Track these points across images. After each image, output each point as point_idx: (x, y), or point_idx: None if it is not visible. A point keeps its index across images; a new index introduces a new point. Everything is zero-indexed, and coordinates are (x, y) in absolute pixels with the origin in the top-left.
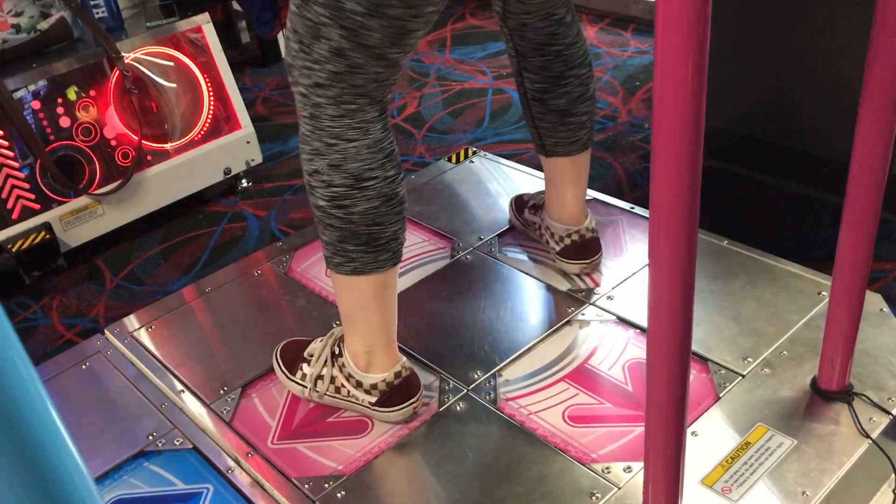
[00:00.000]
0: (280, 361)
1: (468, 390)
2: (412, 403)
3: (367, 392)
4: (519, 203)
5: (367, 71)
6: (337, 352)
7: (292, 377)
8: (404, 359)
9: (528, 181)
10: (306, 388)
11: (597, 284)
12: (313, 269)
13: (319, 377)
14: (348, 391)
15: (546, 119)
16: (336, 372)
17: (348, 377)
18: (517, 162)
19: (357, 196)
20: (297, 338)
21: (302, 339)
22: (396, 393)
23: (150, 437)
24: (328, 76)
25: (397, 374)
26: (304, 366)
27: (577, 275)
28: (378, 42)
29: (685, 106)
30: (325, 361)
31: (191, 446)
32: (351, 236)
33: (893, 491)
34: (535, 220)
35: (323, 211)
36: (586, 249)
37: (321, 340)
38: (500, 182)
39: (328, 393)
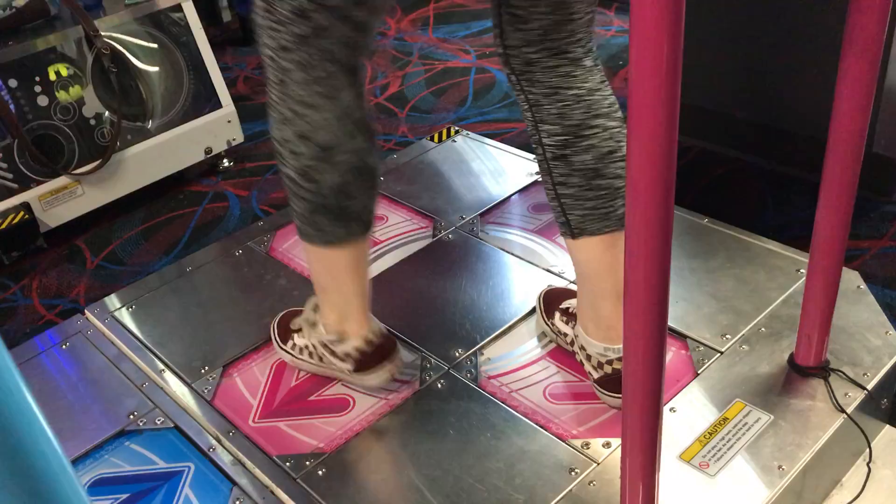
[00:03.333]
0: (275, 331)
1: (449, 368)
2: (386, 367)
3: (342, 360)
4: (549, 301)
5: (332, 34)
6: (314, 321)
7: (283, 346)
8: (380, 326)
9: (512, 161)
10: (294, 357)
11: None
12: (295, 248)
13: (304, 347)
14: (328, 360)
15: (570, 183)
16: (315, 341)
17: (325, 346)
18: (500, 141)
19: (326, 169)
20: (296, 308)
21: (299, 310)
22: (372, 358)
23: (131, 417)
24: (294, 39)
25: (368, 342)
26: (295, 336)
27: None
28: (340, 2)
29: (660, 85)
30: (307, 331)
31: (172, 425)
32: (321, 208)
33: (868, 465)
34: (568, 332)
35: (293, 181)
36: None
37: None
38: (484, 161)
39: (312, 361)
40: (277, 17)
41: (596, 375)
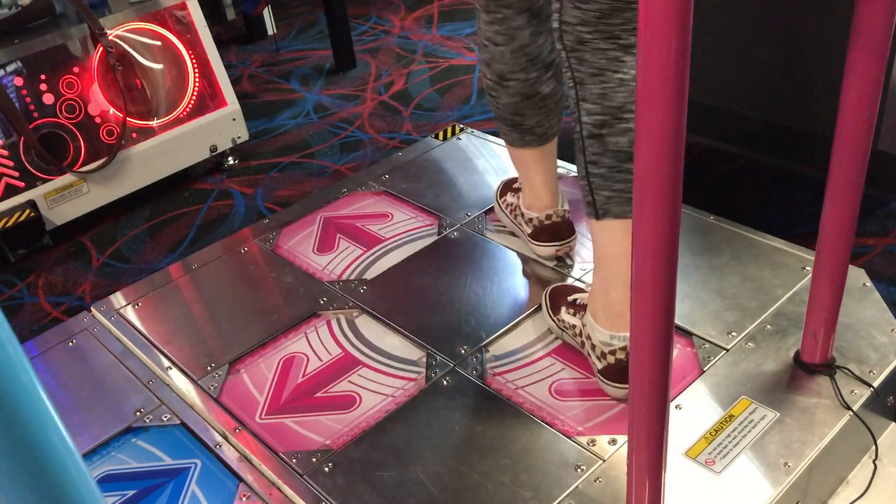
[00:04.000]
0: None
1: (455, 365)
2: (554, 245)
3: (526, 224)
4: (556, 297)
5: None
6: (519, 188)
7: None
8: (565, 209)
9: None
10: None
11: (583, 260)
12: (300, 245)
13: (510, 203)
14: (520, 221)
15: (602, 163)
16: (517, 200)
17: (519, 209)
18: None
19: (501, 91)
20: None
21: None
22: (544, 231)
23: (138, 414)
24: None
25: (547, 216)
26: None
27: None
28: None
29: (669, 80)
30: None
31: (178, 422)
32: (500, 119)
33: (874, 462)
34: (576, 322)
35: (488, 90)
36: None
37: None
38: (488, 159)
39: (510, 217)
40: None
41: (600, 366)
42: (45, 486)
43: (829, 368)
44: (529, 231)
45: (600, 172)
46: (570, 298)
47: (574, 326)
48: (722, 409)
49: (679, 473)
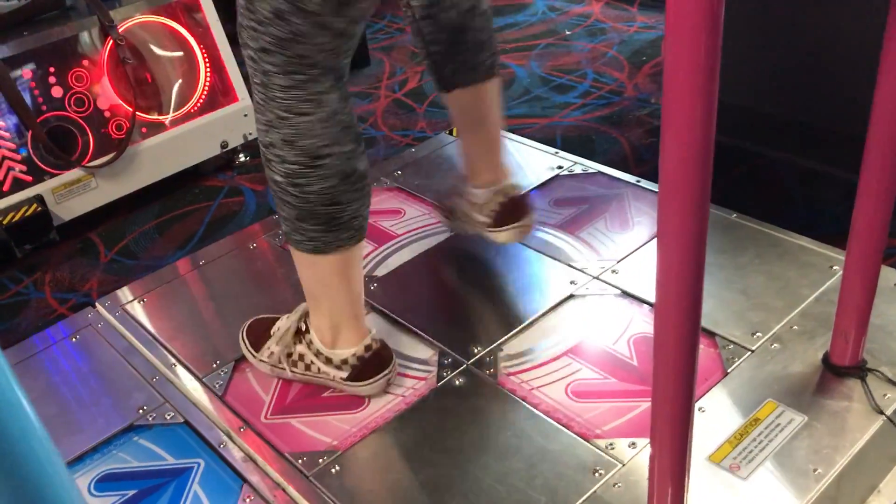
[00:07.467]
0: (246, 341)
1: (468, 364)
2: (385, 375)
3: (338, 368)
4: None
5: (311, 41)
6: (304, 328)
7: (256, 355)
8: (373, 331)
9: (533, 155)
10: (273, 365)
11: (601, 258)
12: None
13: (289, 355)
14: (318, 368)
15: (440, 40)
16: (304, 349)
17: (317, 354)
18: (521, 136)
19: (312, 175)
20: (264, 316)
21: (268, 317)
22: (368, 366)
23: (141, 411)
24: (273, 41)
25: (367, 348)
26: (272, 343)
27: (508, 243)
28: (318, 9)
29: (698, 79)
30: (289, 339)
31: (182, 420)
32: (308, 216)
33: None
34: (458, 202)
35: (279, 186)
36: (515, 210)
37: (287, 317)
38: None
39: (297, 370)
40: (258, 16)
41: (488, 220)
42: (26, 496)
43: (860, 371)
44: (345, 375)
45: (439, 50)
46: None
47: (457, 207)
48: (747, 413)
49: (702, 479)
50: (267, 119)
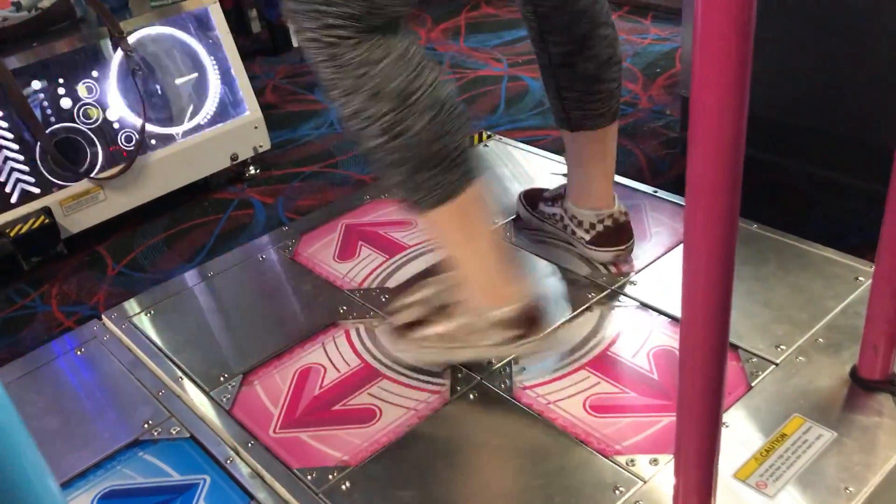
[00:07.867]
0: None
1: (482, 378)
2: (540, 338)
3: (503, 327)
4: (531, 197)
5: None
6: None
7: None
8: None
9: (544, 164)
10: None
11: (619, 270)
12: (320, 253)
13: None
14: (481, 336)
15: (574, 88)
16: (462, 321)
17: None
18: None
19: (409, 115)
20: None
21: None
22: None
23: (146, 426)
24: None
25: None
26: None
27: (610, 264)
28: None
29: (727, 93)
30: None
31: (188, 435)
32: (422, 163)
33: None
34: (557, 211)
35: (381, 149)
36: (619, 235)
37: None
38: (516, 166)
39: (453, 345)
40: None
41: (588, 237)
42: None
43: (890, 385)
44: (512, 334)
45: (572, 96)
46: (545, 195)
47: (555, 215)
48: (772, 428)
49: (728, 497)
50: (343, 88)
